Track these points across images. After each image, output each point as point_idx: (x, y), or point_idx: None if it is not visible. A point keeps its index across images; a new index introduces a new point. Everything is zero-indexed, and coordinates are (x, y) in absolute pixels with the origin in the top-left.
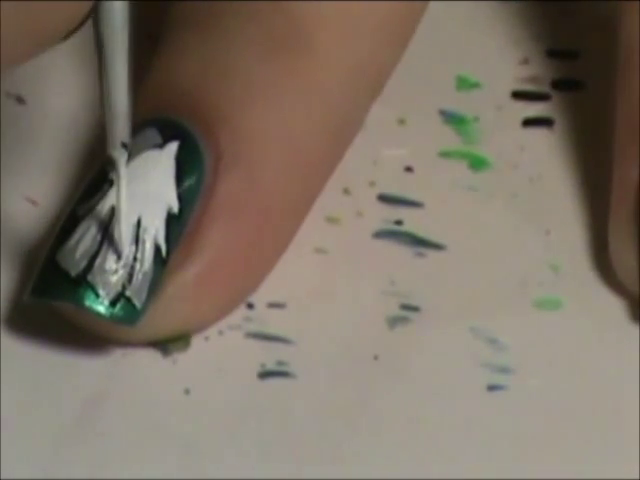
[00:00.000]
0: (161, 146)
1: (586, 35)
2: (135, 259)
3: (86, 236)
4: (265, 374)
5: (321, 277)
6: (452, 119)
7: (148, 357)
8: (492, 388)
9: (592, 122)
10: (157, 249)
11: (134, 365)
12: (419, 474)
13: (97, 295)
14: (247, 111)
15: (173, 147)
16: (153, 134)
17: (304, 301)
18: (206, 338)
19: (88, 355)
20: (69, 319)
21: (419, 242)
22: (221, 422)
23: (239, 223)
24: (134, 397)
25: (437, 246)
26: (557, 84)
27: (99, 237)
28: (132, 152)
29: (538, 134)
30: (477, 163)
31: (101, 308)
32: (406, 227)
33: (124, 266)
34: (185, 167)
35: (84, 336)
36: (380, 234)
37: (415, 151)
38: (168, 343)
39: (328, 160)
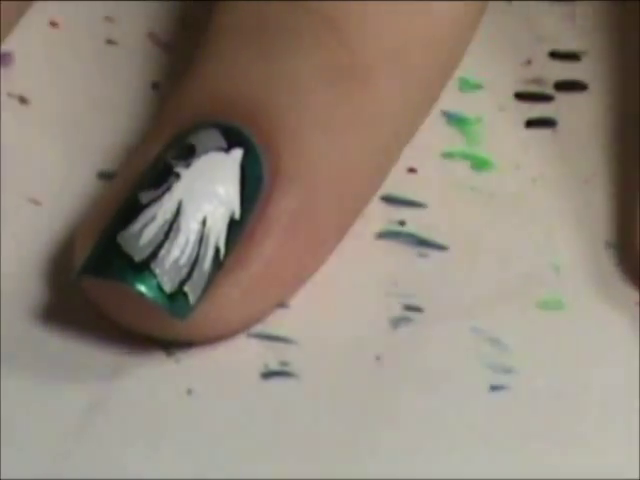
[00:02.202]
0: (226, 150)
1: (589, 36)
2: (197, 257)
3: (151, 225)
4: (268, 374)
5: (324, 277)
6: (455, 120)
7: (151, 357)
8: (495, 388)
9: (595, 123)
10: (217, 250)
11: (137, 365)
12: (421, 474)
13: (158, 284)
14: (307, 132)
15: (238, 153)
16: (217, 136)
17: (307, 301)
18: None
19: (91, 354)
20: (106, 310)
21: (422, 243)
22: (223, 422)
23: (291, 239)
24: (137, 397)
25: (440, 247)
26: (560, 85)
27: (165, 228)
28: (197, 150)
29: (541, 135)
30: (480, 164)
31: (160, 298)
32: (409, 228)
33: (187, 262)
34: (247, 176)
35: (87, 336)
36: (383, 235)
37: (418, 152)
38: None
39: (376, 184)
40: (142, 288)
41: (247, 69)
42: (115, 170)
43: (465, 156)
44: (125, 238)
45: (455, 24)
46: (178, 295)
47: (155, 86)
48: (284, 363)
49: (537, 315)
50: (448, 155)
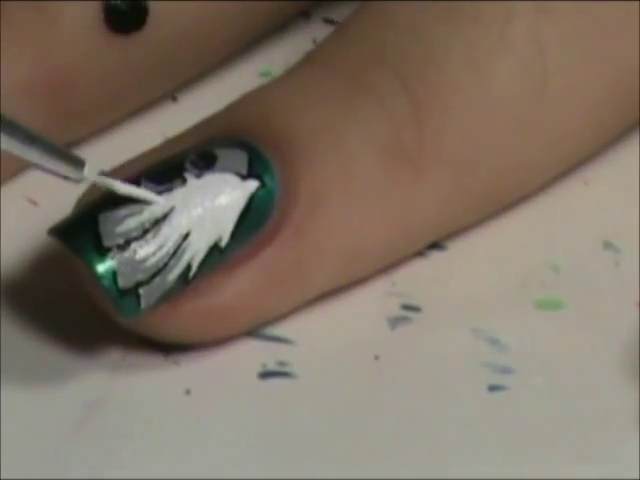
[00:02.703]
0: (243, 177)
1: None
2: (165, 266)
3: (135, 217)
4: (266, 374)
5: None
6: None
7: (149, 358)
8: (493, 388)
9: None
10: (188, 268)
11: (135, 365)
12: (420, 474)
13: (114, 275)
14: (334, 194)
15: (253, 185)
16: (241, 159)
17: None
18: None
19: (90, 356)
20: (101, 305)
21: None
22: (222, 422)
23: (276, 288)
24: (135, 397)
25: (438, 246)
26: None
27: (146, 226)
28: (216, 165)
29: None
30: None
31: (112, 288)
32: None
33: (151, 267)
34: (252, 209)
35: (86, 337)
36: None
37: None
38: None
39: (384, 264)
40: (98, 271)
41: (308, 103)
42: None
43: None
44: (105, 219)
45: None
46: (130, 294)
47: None
48: (282, 363)
49: (536, 315)
50: None
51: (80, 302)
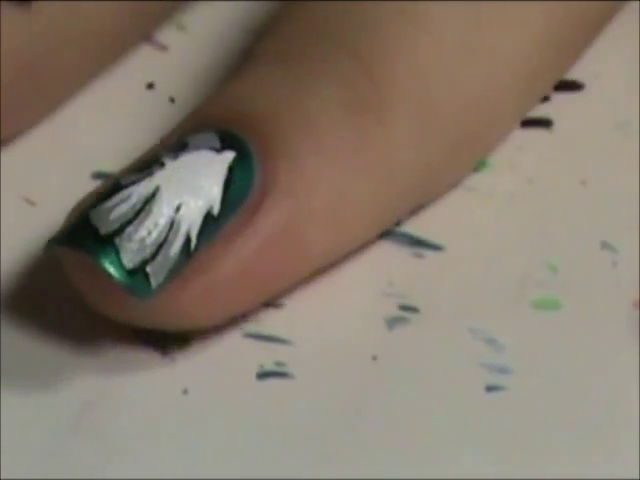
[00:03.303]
0: (218, 151)
1: None
2: (165, 241)
3: (124, 203)
4: (263, 375)
5: (319, 277)
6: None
7: (146, 357)
8: (491, 389)
9: (591, 123)
10: (187, 240)
11: (132, 365)
12: (418, 474)
13: (119, 259)
14: (311, 154)
15: (229, 156)
16: (213, 138)
17: (302, 301)
18: (204, 338)
19: (87, 354)
20: (84, 292)
21: (417, 242)
22: (219, 423)
23: (272, 249)
24: (132, 397)
25: (435, 247)
26: (556, 85)
27: (137, 207)
28: (189, 146)
29: (537, 135)
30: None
31: (118, 272)
32: (404, 227)
33: (152, 243)
34: (234, 179)
35: (83, 335)
36: (379, 234)
37: None
38: (169, 340)
39: (379, 223)
40: (100, 259)
41: (266, 90)
42: (109, 171)
43: None
44: (96, 213)
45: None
46: (139, 274)
47: (150, 86)
48: (280, 363)
49: (533, 315)
50: None
51: (78, 302)
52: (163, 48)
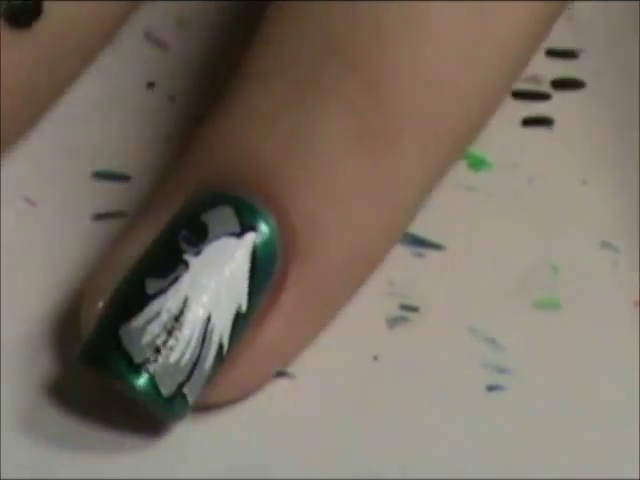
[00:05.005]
0: (238, 235)
1: (586, 34)
2: (199, 357)
3: (154, 322)
4: None
5: None
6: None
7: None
8: (491, 388)
9: (592, 122)
10: (220, 347)
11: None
12: (419, 474)
13: (156, 388)
14: (325, 208)
15: (250, 239)
16: (230, 217)
17: None
18: None
19: None
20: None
21: (418, 242)
22: (219, 422)
23: (299, 324)
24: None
25: (436, 246)
26: (557, 84)
27: (169, 327)
28: (209, 236)
29: (538, 134)
30: (477, 163)
31: (157, 401)
32: None
33: (188, 363)
34: (259, 262)
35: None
36: None
37: None
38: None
39: (386, 253)
40: (139, 391)
41: (271, 126)
42: (109, 171)
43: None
44: (127, 333)
45: (483, 101)
46: (176, 397)
47: (151, 85)
48: None
49: (534, 315)
50: None
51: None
52: (163, 47)
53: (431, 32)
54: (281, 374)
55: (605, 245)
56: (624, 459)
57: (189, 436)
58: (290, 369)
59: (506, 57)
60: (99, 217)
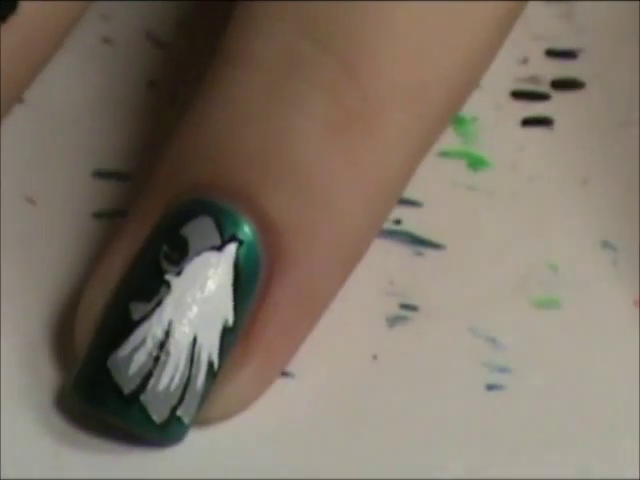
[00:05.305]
0: (219, 248)
1: (586, 35)
2: (189, 378)
3: (140, 350)
4: None
5: None
6: (451, 119)
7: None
8: (491, 387)
9: (591, 122)
10: (210, 365)
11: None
12: (419, 474)
13: (148, 417)
14: (309, 202)
15: (232, 250)
16: (210, 230)
17: None
18: None
19: None
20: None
21: (418, 241)
22: (220, 422)
23: (292, 326)
24: None
25: (436, 245)
26: (556, 84)
27: (155, 353)
28: (189, 252)
29: (537, 134)
30: (476, 163)
31: (150, 429)
32: (405, 226)
33: (178, 386)
34: (242, 273)
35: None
36: (379, 233)
37: None
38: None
39: (371, 239)
40: (132, 424)
41: (246, 123)
42: (109, 170)
43: (461, 155)
44: (115, 363)
45: (465, 71)
46: (171, 421)
47: (151, 84)
48: None
49: (534, 314)
50: (444, 154)
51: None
52: (164, 46)
53: (407, 8)
54: (281, 374)
55: (605, 244)
56: (624, 459)
57: (190, 436)
58: (290, 369)
59: (486, 22)
60: (99, 216)
